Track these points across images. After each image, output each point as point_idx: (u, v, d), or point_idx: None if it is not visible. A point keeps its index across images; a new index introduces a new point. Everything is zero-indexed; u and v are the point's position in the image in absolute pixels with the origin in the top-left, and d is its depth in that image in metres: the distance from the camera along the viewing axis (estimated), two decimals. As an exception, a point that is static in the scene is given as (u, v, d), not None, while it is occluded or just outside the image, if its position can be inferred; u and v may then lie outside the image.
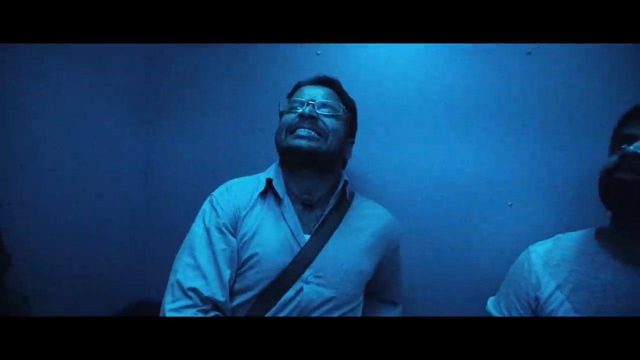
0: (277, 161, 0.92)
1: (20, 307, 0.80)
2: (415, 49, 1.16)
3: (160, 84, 1.31)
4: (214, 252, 0.77)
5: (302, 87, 0.91)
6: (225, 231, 0.80)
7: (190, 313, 0.73)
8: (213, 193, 0.87)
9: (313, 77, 0.92)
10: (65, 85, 1.00)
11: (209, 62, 1.28)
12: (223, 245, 0.78)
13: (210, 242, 0.79)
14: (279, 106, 0.91)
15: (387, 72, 1.17)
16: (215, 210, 0.82)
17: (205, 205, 0.85)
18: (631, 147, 0.64)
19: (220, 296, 0.75)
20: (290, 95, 0.94)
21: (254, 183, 0.88)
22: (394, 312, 1.03)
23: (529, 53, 1.08)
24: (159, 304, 0.77)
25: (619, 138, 0.71)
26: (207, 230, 0.80)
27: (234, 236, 0.81)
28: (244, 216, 0.82)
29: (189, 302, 0.73)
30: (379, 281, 0.95)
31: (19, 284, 0.82)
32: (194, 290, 0.74)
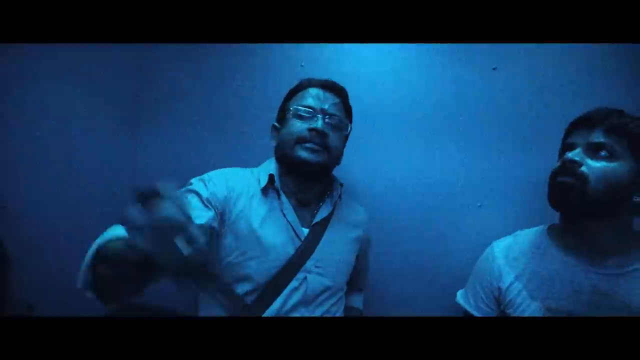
0: (274, 157, 0.92)
1: (22, 311, 0.82)
2: (384, 55, 1.23)
3: (148, 87, 1.35)
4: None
5: (309, 89, 0.88)
6: (205, 203, 0.78)
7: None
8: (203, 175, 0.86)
9: (322, 80, 0.90)
10: (54, 88, 1.01)
11: (198, 66, 1.33)
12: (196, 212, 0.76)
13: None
14: (287, 111, 0.88)
15: (358, 79, 1.23)
16: (204, 182, 0.82)
17: (193, 180, 0.84)
18: (569, 154, 0.75)
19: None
20: (295, 92, 0.91)
21: (248, 175, 0.89)
22: (360, 298, 1.12)
23: (494, 68, 1.17)
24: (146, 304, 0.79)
25: (564, 146, 0.82)
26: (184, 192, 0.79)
27: (216, 214, 0.79)
28: (236, 202, 0.82)
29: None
30: (354, 270, 1.00)
31: (20, 286, 0.84)
32: None
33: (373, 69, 1.24)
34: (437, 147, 1.20)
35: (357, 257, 0.98)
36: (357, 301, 1.11)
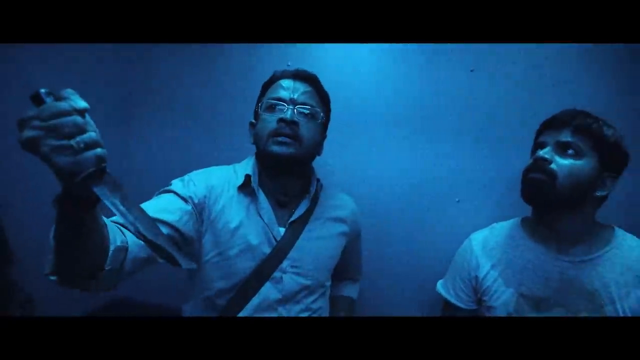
0: (254, 155, 0.92)
1: (24, 306, 0.82)
2: (364, 52, 1.26)
3: (141, 87, 1.35)
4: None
5: (281, 81, 0.87)
6: (182, 199, 0.79)
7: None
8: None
9: (294, 69, 0.88)
10: (43, 86, 1.00)
11: (189, 66, 1.34)
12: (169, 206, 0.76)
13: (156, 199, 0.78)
14: (260, 104, 0.89)
15: (337, 76, 1.26)
16: (183, 182, 0.83)
17: (173, 181, 0.84)
18: (540, 152, 0.81)
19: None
20: (268, 85, 0.91)
21: (230, 173, 0.89)
22: (355, 287, 1.15)
23: (472, 70, 1.23)
24: (136, 303, 0.80)
25: (536, 145, 0.88)
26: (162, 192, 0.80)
27: (194, 211, 0.80)
28: (215, 201, 0.84)
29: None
30: (344, 263, 1.01)
31: (22, 284, 0.84)
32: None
33: (359, 69, 1.28)
34: (418, 145, 1.25)
35: (346, 249, 0.99)
36: (350, 291, 1.13)
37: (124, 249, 0.62)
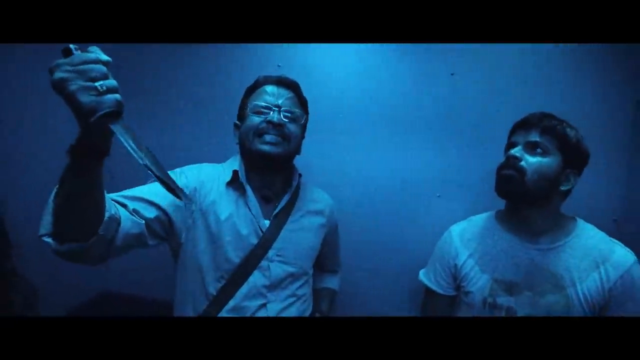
0: (239, 154, 0.97)
1: (28, 298, 0.84)
2: (344, 52, 1.32)
3: (132, 87, 1.34)
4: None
5: (265, 86, 0.93)
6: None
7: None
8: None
9: (275, 77, 0.95)
10: (40, 85, 0.99)
11: (177, 66, 1.37)
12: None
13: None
14: (245, 108, 0.94)
15: (320, 76, 1.32)
16: (176, 174, 0.87)
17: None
18: (512, 151, 0.90)
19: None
20: (252, 89, 0.96)
21: (219, 170, 0.95)
22: (335, 279, 1.22)
23: (452, 74, 1.31)
24: (121, 298, 0.81)
25: (508, 144, 0.97)
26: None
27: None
28: (206, 194, 0.89)
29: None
30: (324, 254, 1.09)
31: (26, 277, 0.86)
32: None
33: (347, 69, 1.33)
34: (407, 144, 1.32)
35: (325, 241, 1.06)
36: (331, 282, 1.21)
37: (116, 220, 0.68)
